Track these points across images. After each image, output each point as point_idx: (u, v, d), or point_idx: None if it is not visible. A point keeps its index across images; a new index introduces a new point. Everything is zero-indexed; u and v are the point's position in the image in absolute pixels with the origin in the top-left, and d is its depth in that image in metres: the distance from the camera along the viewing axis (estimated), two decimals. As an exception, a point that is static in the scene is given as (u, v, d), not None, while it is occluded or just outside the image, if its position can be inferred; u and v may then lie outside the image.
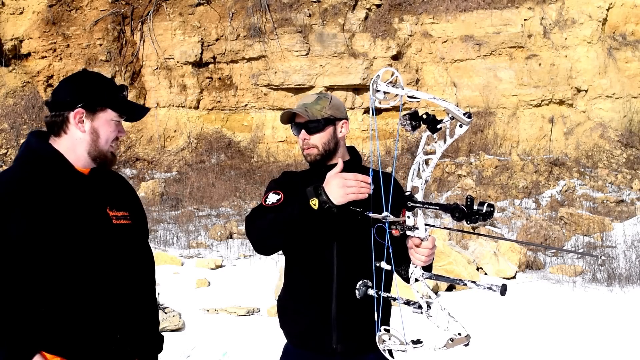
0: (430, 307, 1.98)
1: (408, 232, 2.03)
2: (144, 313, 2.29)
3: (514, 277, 8.97)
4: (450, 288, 8.07)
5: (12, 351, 2.01)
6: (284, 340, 2.60)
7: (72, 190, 2.11)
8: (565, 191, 15.86)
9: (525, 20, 19.05)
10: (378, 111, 19.73)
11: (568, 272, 8.89)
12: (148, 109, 2.30)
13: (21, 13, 20.57)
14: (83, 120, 2.11)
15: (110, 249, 2.15)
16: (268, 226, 2.30)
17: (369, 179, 2.16)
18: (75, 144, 2.13)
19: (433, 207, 1.94)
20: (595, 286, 8.26)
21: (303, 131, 2.45)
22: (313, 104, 2.45)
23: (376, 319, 2.08)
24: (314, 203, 2.17)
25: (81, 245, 2.08)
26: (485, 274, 9.02)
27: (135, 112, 2.24)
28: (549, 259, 10.15)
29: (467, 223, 1.85)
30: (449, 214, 1.89)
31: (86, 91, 2.12)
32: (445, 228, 2.14)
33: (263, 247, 2.37)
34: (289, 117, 2.49)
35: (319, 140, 2.44)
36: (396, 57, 19.70)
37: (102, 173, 2.22)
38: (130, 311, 2.20)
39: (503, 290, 1.88)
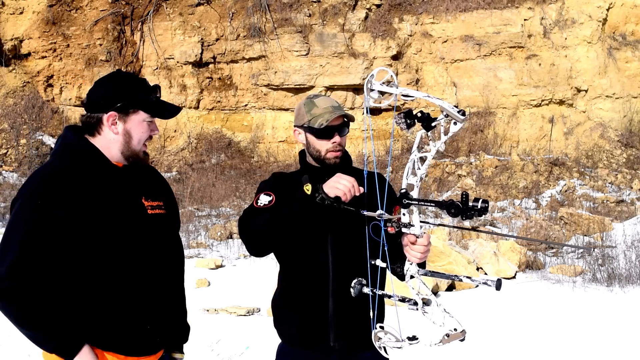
0: (426, 304, 1.99)
1: (403, 229, 2.04)
2: (173, 304, 2.35)
3: (514, 277, 8.97)
4: (450, 288, 8.08)
5: (62, 342, 2.06)
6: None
7: (108, 182, 2.18)
8: (565, 191, 15.86)
9: (525, 20, 19.04)
10: (378, 111, 19.70)
11: (568, 272, 8.89)
12: (180, 108, 2.36)
13: (21, 13, 20.57)
14: (116, 122, 2.19)
15: (145, 239, 2.22)
16: (264, 225, 2.30)
17: (360, 190, 2.19)
18: (109, 143, 2.21)
19: (429, 203, 1.95)
20: (595, 286, 8.26)
21: (336, 134, 2.44)
22: (341, 107, 2.48)
23: (371, 317, 2.09)
24: (307, 188, 2.20)
25: (119, 236, 2.15)
26: (485, 273, 9.02)
27: (167, 111, 2.29)
28: (549, 259, 10.16)
29: (463, 219, 1.87)
30: (448, 214, 1.90)
31: (118, 94, 2.18)
32: (441, 225, 2.15)
33: (258, 247, 2.36)
34: (340, 120, 2.46)
35: (344, 142, 2.49)
36: (396, 57, 19.70)
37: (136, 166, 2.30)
38: (161, 302, 2.27)
39: (498, 285, 1.89)
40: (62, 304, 2.09)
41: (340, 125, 2.44)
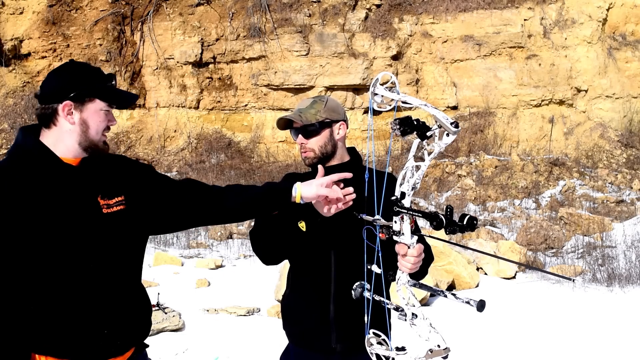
0: (415, 316, 1.98)
1: (394, 237, 2.04)
2: (133, 303, 2.25)
3: (514, 277, 8.97)
4: (450, 288, 8.07)
5: (5, 356, 1.99)
6: (284, 340, 2.62)
7: (58, 183, 2.09)
8: (565, 191, 15.86)
9: (525, 20, 19.04)
10: (378, 111, 19.69)
11: (568, 272, 8.89)
12: (137, 96, 2.29)
13: (21, 13, 20.56)
14: (72, 112, 2.10)
15: (98, 240, 2.12)
16: (265, 239, 2.41)
17: (350, 190, 2.21)
18: (65, 135, 2.12)
19: (416, 214, 1.95)
20: (595, 286, 8.25)
21: (300, 135, 2.49)
22: (307, 109, 2.49)
23: (366, 321, 2.10)
24: (302, 225, 2.23)
25: (67, 239, 2.06)
26: (485, 274, 9.02)
27: (124, 99, 2.22)
28: (548, 259, 10.16)
29: (446, 233, 1.87)
30: (431, 225, 1.91)
31: (73, 83, 2.10)
32: (429, 236, 2.15)
33: (267, 259, 2.47)
34: (286, 123, 2.52)
35: (316, 143, 2.47)
36: (396, 57, 19.69)
37: (95, 161, 2.18)
38: (119, 304, 2.17)
39: (480, 306, 1.85)
40: (11, 316, 2.00)
41: (305, 127, 2.46)
